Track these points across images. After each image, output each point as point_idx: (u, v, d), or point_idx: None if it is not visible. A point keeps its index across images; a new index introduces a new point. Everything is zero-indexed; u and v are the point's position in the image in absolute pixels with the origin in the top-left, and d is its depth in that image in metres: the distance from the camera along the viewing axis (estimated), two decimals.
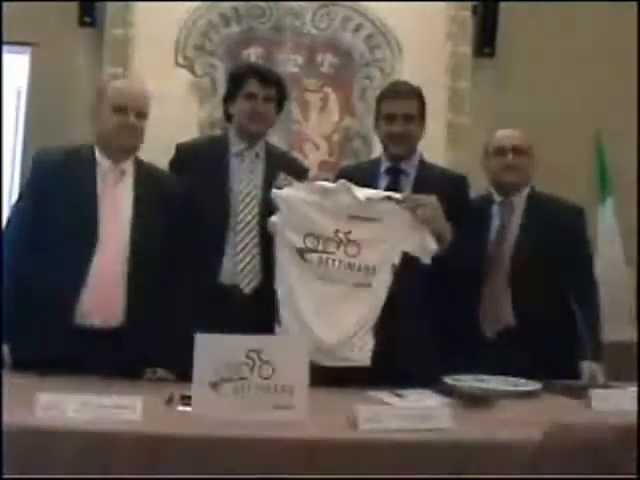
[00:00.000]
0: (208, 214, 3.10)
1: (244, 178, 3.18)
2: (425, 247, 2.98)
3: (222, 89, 5.34)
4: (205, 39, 5.75)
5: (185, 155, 3.25)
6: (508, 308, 3.23)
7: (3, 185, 4.80)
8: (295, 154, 5.77)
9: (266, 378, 2.30)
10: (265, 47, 5.78)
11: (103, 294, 2.91)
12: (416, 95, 3.27)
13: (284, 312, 2.96)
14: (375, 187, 3.14)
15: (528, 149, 3.39)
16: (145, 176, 3.01)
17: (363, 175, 3.24)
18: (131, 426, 2.17)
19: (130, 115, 2.96)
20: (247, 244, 3.14)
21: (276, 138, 5.74)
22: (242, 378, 2.29)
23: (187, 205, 3.02)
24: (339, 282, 2.95)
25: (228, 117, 3.33)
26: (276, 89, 3.24)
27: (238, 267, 3.14)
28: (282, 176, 3.08)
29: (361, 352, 2.95)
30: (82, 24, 5.73)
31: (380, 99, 3.32)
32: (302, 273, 2.95)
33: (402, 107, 3.21)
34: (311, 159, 5.78)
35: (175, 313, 2.96)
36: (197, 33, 5.74)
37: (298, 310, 2.93)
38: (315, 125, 5.82)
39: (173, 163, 3.27)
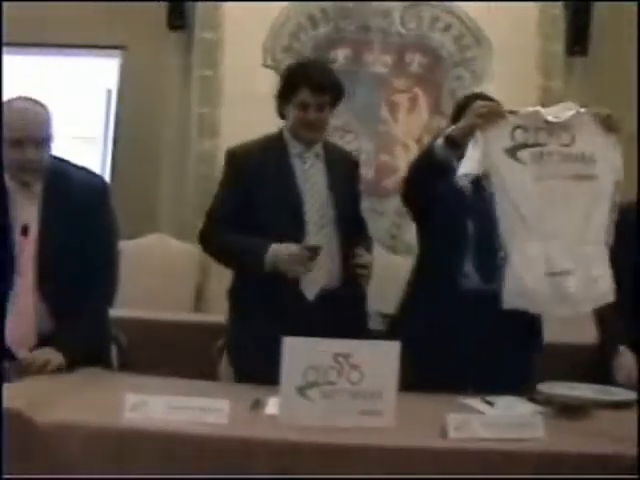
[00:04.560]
0: (274, 215, 3.02)
1: (308, 179, 3.10)
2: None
3: None
4: (293, 40, 5.75)
5: (240, 159, 3.14)
6: None
7: None
8: (384, 156, 5.76)
9: (354, 383, 2.27)
10: (353, 48, 5.76)
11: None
12: None
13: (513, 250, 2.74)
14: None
15: None
16: (54, 190, 2.90)
17: None
18: (218, 429, 2.16)
19: (29, 148, 2.80)
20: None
21: (364, 139, 5.74)
22: (330, 383, 2.26)
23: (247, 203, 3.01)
24: (557, 177, 2.73)
25: (282, 115, 3.20)
26: (331, 94, 3.11)
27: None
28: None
29: (604, 281, 2.77)
30: (172, 27, 5.81)
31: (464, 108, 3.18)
32: (520, 178, 2.71)
33: None
34: (400, 161, 5.73)
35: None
36: (285, 34, 5.75)
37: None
38: (404, 126, 5.77)
39: (227, 168, 3.17)
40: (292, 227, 3.03)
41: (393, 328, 3.28)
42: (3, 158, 2.82)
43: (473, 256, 3.03)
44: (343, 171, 3.21)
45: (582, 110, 2.77)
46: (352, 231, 3.14)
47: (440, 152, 2.84)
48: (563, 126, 2.73)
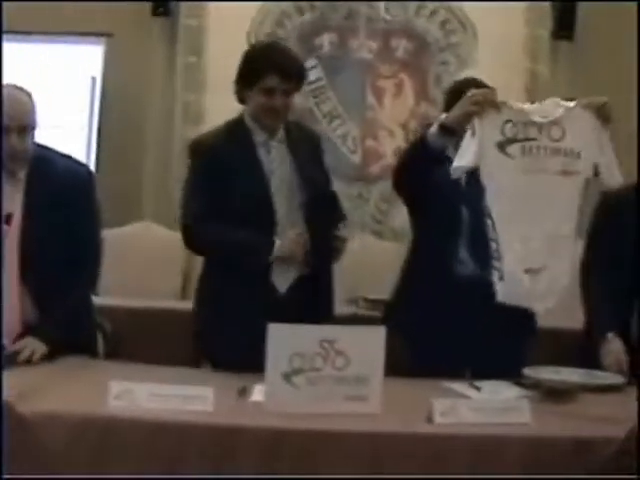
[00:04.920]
0: (243, 208, 2.94)
1: (275, 169, 3.02)
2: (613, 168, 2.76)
3: None
4: (278, 27, 5.73)
5: (206, 151, 3.03)
6: None
7: None
8: (370, 142, 5.75)
9: (339, 369, 2.26)
10: (338, 34, 5.74)
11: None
12: None
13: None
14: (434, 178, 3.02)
15: None
16: (38, 178, 2.87)
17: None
18: (202, 417, 2.15)
19: (12, 135, 2.76)
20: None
21: (352, 125, 5.73)
22: (315, 369, 2.25)
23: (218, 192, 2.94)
24: (544, 172, 2.69)
25: (241, 100, 3.08)
26: (297, 79, 3.01)
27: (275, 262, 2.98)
28: None
29: (566, 275, 2.73)
30: (155, 14, 5.77)
31: (458, 94, 3.15)
32: (508, 173, 2.68)
33: None
34: (386, 146, 5.72)
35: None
36: (270, 21, 5.73)
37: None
38: (390, 112, 5.76)
39: (195, 161, 3.07)
40: (262, 218, 2.96)
41: (388, 314, 3.29)
42: None
43: (467, 242, 3.03)
44: (307, 151, 3.12)
45: (571, 104, 2.74)
46: (323, 213, 3.04)
47: (434, 140, 2.82)
48: (553, 122, 2.71)
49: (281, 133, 3.07)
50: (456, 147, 2.76)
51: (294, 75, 2.98)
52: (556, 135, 2.70)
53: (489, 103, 2.67)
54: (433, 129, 2.82)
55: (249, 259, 2.94)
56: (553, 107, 2.73)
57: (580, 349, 3.19)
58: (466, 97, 2.73)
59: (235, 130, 3.07)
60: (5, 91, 2.81)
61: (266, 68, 2.94)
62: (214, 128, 3.16)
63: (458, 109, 2.75)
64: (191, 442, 2.10)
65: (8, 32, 5.69)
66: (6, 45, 5.80)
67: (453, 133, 2.77)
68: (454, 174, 2.72)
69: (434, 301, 3.02)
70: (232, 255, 2.97)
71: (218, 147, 3.01)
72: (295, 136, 3.10)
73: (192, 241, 3.04)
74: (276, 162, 3.03)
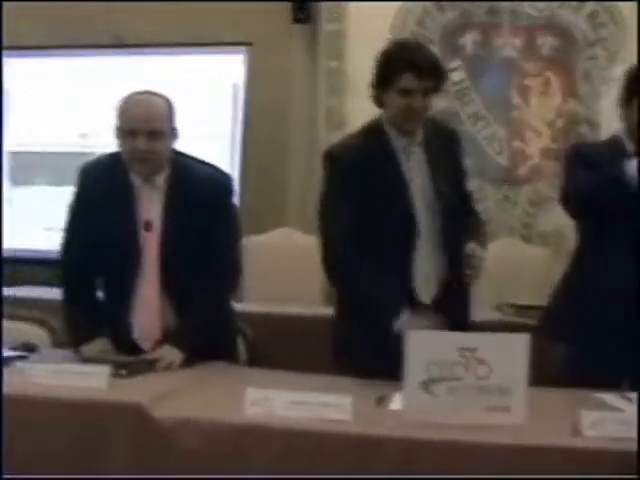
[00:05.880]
0: (388, 221, 2.85)
1: (414, 178, 2.90)
2: None
3: None
4: (420, 27, 5.67)
5: (346, 164, 2.90)
6: None
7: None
8: (517, 143, 5.61)
9: (481, 378, 2.18)
10: (482, 32, 5.64)
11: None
12: None
13: None
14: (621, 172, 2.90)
15: None
16: (178, 186, 2.90)
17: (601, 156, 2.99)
18: (340, 426, 2.12)
19: (139, 139, 2.79)
20: (426, 250, 2.90)
21: (496, 126, 5.61)
22: (456, 378, 2.18)
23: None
24: None
25: (380, 104, 2.96)
26: (435, 78, 2.86)
27: (419, 273, 2.91)
28: None
29: None
30: (296, 21, 5.84)
31: (634, 81, 3.02)
32: None
33: None
34: (533, 147, 5.58)
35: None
36: (412, 21, 5.67)
37: None
38: (536, 111, 5.61)
39: (334, 176, 2.95)
40: (405, 229, 2.87)
41: (547, 320, 3.16)
42: (120, 150, 2.88)
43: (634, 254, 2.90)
44: (444, 151, 2.99)
45: None
46: (460, 222, 2.94)
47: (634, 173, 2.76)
48: None
49: (420, 135, 2.96)
50: None
51: (431, 73, 2.84)
52: None
53: None
54: (633, 166, 2.77)
55: (376, 312, 2.82)
56: None
57: None
58: None
59: (373, 137, 2.96)
60: (136, 96, 2.86)
61: (401, 67, 2.82)
62: (349, 135, 3.08)
63: None
64: (328, 451, 2.07)
65: (153, 45, 5.89)
66: (151, 58, 6.01)
67: None
68: None
69: (598, 310, 2.91)
70: (362, 302, 2.86)
71: (356, 158, 2.90)
72: (431, 136, 2.98)
73: (333, 278, 2.99)
74: (415, 169, 2.93)
